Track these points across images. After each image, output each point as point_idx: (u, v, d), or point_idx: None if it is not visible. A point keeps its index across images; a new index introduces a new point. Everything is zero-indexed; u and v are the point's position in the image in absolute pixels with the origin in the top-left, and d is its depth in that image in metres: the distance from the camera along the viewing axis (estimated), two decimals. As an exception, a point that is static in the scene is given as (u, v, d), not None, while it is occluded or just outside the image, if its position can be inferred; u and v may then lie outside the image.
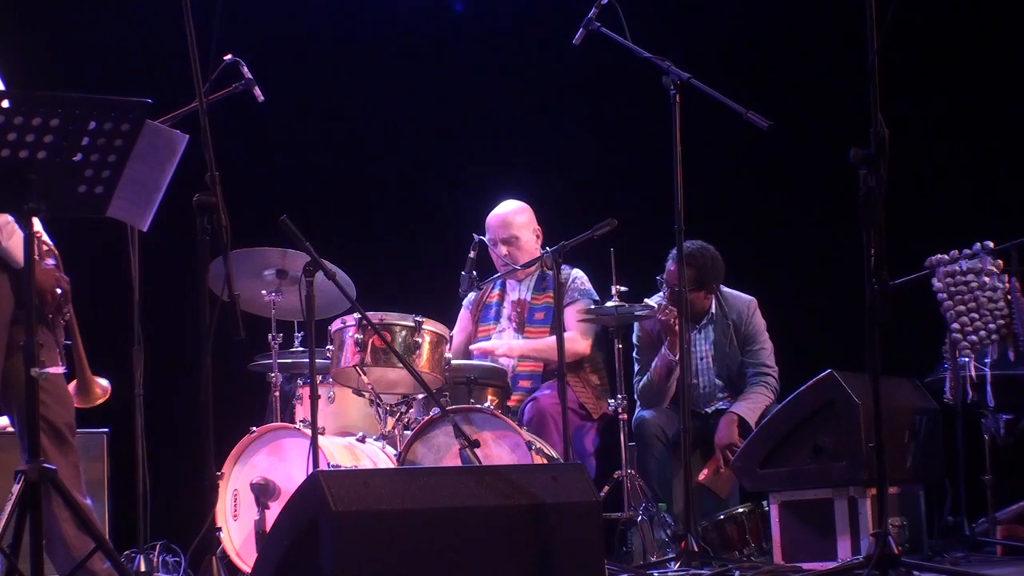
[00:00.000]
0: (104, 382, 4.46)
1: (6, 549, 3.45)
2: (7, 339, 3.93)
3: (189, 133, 3.81)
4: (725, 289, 6.21)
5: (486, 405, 5.57)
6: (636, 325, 6.21)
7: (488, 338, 6.29)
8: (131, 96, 3.59)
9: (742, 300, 6.21)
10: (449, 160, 7.64)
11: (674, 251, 5.64)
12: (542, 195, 6.51)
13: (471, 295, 6.34)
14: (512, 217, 6.26)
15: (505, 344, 6.15)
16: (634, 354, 6.28)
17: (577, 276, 6.23)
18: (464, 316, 6.42)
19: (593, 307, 5.90)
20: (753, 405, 6.01)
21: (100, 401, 4.45)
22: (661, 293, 5.96)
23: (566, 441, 5.41)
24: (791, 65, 7.17)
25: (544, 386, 6.09)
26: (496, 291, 6.36)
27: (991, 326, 5.03)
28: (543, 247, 6.14)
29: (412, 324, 5.47)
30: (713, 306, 6.17)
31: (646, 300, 6.01)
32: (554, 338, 5.82)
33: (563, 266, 6.06)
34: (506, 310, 6.30)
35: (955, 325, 5.07)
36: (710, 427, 6.04)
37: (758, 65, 7.18)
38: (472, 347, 6.22)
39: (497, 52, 7.65)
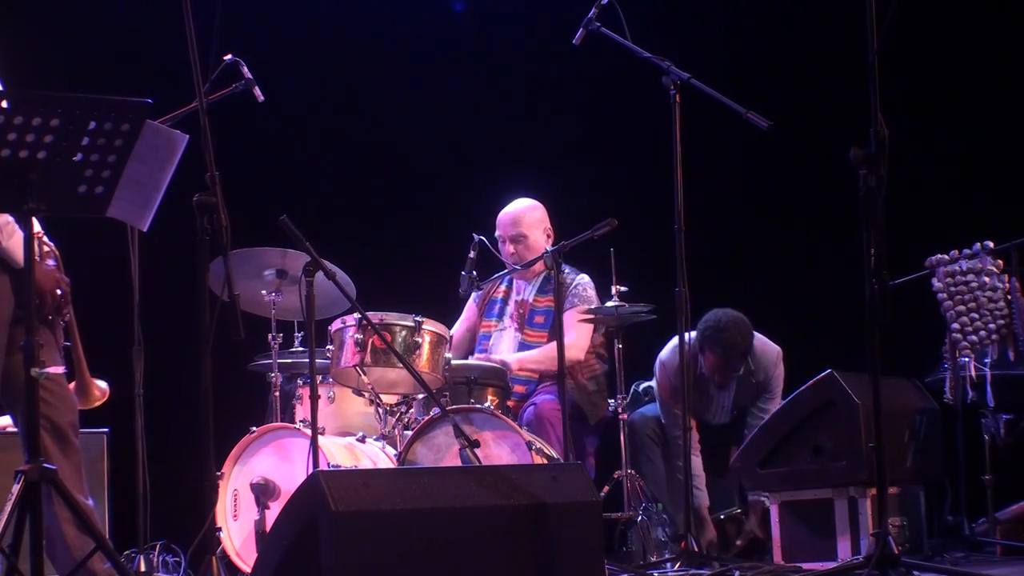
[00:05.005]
0: (103, 384, 4.45)
1: (6, 549, 3.45)
2: (7, 339, 3.92)
3: (189, 133, 3.81)
4: (755, 338, 6.00)
5: (486, 405, 5.56)
6: (657, 367, 6.07)
7: (489, 334, 6.28)
8: (131, 96, 3.59)
9: (769, 356, 6.02)
10: (449, 160, 7.63)
11: (695, 338, 5.79)
12: (542, 195, 6.50)
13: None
14: (523, 215, 6.23)
15: (515, 359, 6.03)
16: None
17: (580, 282, 6.13)
18: (470, 307, 6.39)
19: (593, 308, 5.89)
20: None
21: (99, 403, 4.44)
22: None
23: (566, 441, 5.40)
24: (791, 65, 7.17)
25: (541, 390, 6.07)
26: (503, 287, 6.34)
27: (991, 326, 5.04)
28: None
29: (412, 324, 5.47)
30: (742, 368, 6.02)
31: (643, 384, 6.15)
32: (551, 346, 5.81)
33: (570, 271, 6.06)
34: (510, 308, 6.27)
35: (955, 325, 5.08)
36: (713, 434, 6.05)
37: (758, 65, 7.17)
38: (478, 356, 6.17)
39: (497, 52, 7.64)
